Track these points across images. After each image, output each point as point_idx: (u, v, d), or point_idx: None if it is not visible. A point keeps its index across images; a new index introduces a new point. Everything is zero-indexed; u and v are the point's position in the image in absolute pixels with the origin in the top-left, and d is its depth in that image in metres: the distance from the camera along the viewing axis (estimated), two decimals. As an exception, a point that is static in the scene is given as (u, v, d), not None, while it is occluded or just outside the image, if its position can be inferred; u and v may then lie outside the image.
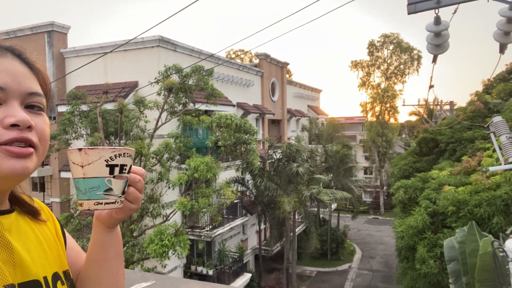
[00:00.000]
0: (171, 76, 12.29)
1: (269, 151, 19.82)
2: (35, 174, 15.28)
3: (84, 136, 12.25)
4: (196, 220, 13.56)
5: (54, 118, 15.50)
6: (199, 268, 15.47)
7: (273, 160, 19.77)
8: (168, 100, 12.26)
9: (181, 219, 12.03)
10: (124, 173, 0.75)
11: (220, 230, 15.25)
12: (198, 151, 13.19)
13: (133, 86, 14.28)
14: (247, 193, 19.48)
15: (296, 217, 21.41)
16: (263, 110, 22.10)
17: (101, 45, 15.09)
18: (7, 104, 0.66)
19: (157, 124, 12.00)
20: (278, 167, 19.25)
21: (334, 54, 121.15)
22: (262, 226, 21.26)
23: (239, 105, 19.88)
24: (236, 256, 17.43)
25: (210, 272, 15.27)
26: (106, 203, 0.74)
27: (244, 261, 18.58)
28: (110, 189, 0.73)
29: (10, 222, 0.72)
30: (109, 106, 12.22)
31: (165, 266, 11.48)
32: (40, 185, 16.72)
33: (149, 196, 11.91)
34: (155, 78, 12.04)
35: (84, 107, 12.14)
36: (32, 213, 0.80)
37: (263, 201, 19.18)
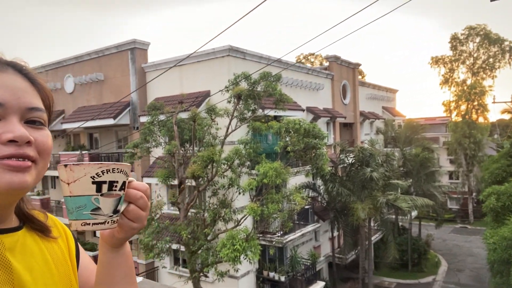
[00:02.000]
0: (240, 83, 12.58)
1: (341, 156, 19.22)
2: (121, 180, 16.68)
3: (162, 144, 13.05)
4: (267, 226, 13.60)
5: (137, 128, 16.81)
6: (271, 274, 15.48)
7: (345, 165, 19.13)
8: (237, 107, 12.56)
9: (252, 224, 12.16)
10: (115, 190, 0.69)
11: (291, 236, 15.11)
12: (268, 157, 13.26)
13: (206, 95, 14.90)
14: (319, 199, 19.08)
15: (372, 224, 20.40)
16: (334, 114, 21.55)
17: (176, 58, 16.02)
18: (6, 119, 0.66)
19: (227, 131, 12.34)
20: (351, 172, 18.56)
21: (410, 51, 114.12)
22: (336, 233, 20.63)
23: (309, 110, 19.64)
24: (308, 263, 17.12)
25: (282, 278, 15.18)
26: (94, 224, 0.68)
27: (317, 269, 18.17)
28: (98, 208, 0.68)
29: (14, 241, 0.71)
30: (184, 115, 12.89)
31: (237, 270, 11.71)
32: (126, 189, 18.19)
33: (221, 201, 12.26)
34: (225, 86, 12.43)
35: (162, 117, 12.97)
36: (42, 230, 0.79)
37: (336, 207, 18.62)
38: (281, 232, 14.71)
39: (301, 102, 18.33)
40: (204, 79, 15.39)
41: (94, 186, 0.67)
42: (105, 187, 0.68)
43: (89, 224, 0.68)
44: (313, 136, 11.89)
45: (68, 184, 0.66)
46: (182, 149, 12.86)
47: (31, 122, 0.70)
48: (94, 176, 0.67)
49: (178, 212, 12.71)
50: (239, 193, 11.81)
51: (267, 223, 13.11)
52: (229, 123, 12.37)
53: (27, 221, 0.78)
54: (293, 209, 12.91)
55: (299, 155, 12.45)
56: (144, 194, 0.75)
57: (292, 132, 12.04)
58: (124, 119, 17.02)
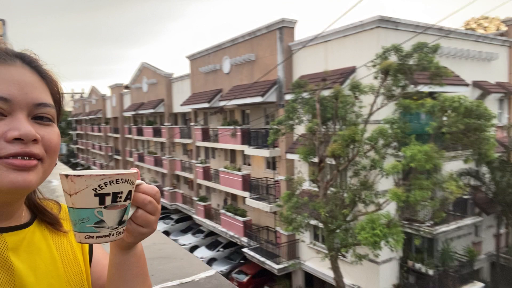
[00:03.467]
0: (389, 57, 11.56)
1: (517, 140, 15.91)
2: (267, 154, 17.71)
3: (305, 121, 13.18)
4: (414, 213, 12.45)
5: (283, 105, 17.42)
6: (417, 265, 14.26)
7: (523, 151, 15.77)
8: (384, 83, 11.63)
9: (396, 210, 11.33)
10: (120, 201, 0.65)
11: (444, 228, 13.51)
12: (419, 138, 11.95)
13: (350, 71, 14.27)
14: (483, 189, 16.38)
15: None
16: (510, 89, 17.83)
17: (322, 34, 15.72)
18: (13, 116, 0.63)
19: (371, 109, 11.61)
20: (530, 160, 15.23)
21: None
22: (503, 230, 17.48)
23: (476, 84, 16.75)
24: (464, 260, 15.09)
25: (430, 272, 13.82)
26: (98, 237, 0.65)
27: (475, 267, 15.86)
28: (102, 221, 0.64)
29: (19, 239, 0.70)
30: (327, 93, 12.66)
31: (378, 256, 11.17)
32: (272, 164, 19.30)
33: (362, 183, 11.76)
34: (371, 61, 11.61)
35: (305, 95, 13.04)
36: (52, 222, 0.78)
37: (505, 200, 15.67)
38: (431, 222, 13.28)
39: (466, 76, 15.76)
40: (349, 55, 14.72)
41: (97, 198, 0.63)
42: (108, 199, 0.64)
43: (92, 237, 0.65)
44: (477, 116, 10.14)
45: (70, 195, 0.63)
46: (324, 127, 12.73)
47: (38, 118, 0.67)
48: (96, 188, 0.62)
49: (317, 190, 12.80)
50: (382, 176, 11.08)
51: (413, 211, 12.01)
52: (374, 101, 11.60)
53: (38, 213, 0.77)
54: (447, 198, 11.46)
55: (457, 138, 10.84)
56: (153, 198, 0.70)
57: (449, 111, 10.53)
58: (272, 97, 17.82)
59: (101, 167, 47.52)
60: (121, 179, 0.64)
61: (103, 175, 0.62)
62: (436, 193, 13.16)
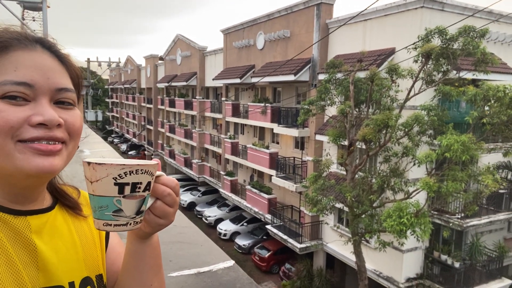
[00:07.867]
0: (432, 40, 10.96)
1: None
2: (296, 134, 17.55)
3: (337, 103, 12.88)
4: (444, 204, 12.08)
5: (315, 85, 17.05)
6: (443, 257, 13.95)
7: None
8: (425, 67, 11.08)
9: (426, 200, 11.01)
10: (138, 191, 0.66)
11: (475, 222, 13.04)
12: (457, 127, 11.45)
13: (389, 53, 13.67)
14: (521, 184, 15.58)
15: None
16: None
17: (363, 13, 15.04)
18: (36, 101, 0.65)
19: (408, 94, 11.15)
20: None
21: None
22: (539, 229, 16.69)
23: (525, 73, 15.64)
24: (493, 255, 14.62)
25: (456, 265, 13.50)
26: (115, 225, 0.67)
27: (504, 264, 15.33)
28: (120, 210, 0.66)
29: (42, 222, 0.72)
30: (363, 75, 12.24)
31: (402, 244, 11.00)
32: (301, 144, 19.15)
33: (392, 169, 11.47)
34: (414, 44, 11.05)
35: (339, 76, 12.66)
36: (72, 207, 0.81)
37: (545, 198, 14.87)
38: (462, 215, 12.86)
39: (514, 63, 14.75)
40: (389, 36, 14.07)
41: (116, 187, 0.65)
42: (127, 189, 0.65)
43: (110, 225, 0.67)
44: (523, 107, 9.51)
45: (91, 183, 0.65)
46: (356, 110, 12.39)
47: (60, 102, 0.69)
48: (116, 178, 0.64)
49: (345, 173, 12.61)
50: (414, 164, 10.75)
51: (444, 202, 11.65)
52: (412, 85, 11.12)
53: (60, 197, 0.80)
54: (481, 191, 11.00)
55: (498, 129, 10.27)
56: (172, 190, 0.72)
57: (492, 101, 9.94)
58: (304, 76, 17.46)
59: (134, 135, 48.95)
60: (141, 170, 0.65)
61: (124, 165, 0.64)
62: (470, 186, 12.67)
